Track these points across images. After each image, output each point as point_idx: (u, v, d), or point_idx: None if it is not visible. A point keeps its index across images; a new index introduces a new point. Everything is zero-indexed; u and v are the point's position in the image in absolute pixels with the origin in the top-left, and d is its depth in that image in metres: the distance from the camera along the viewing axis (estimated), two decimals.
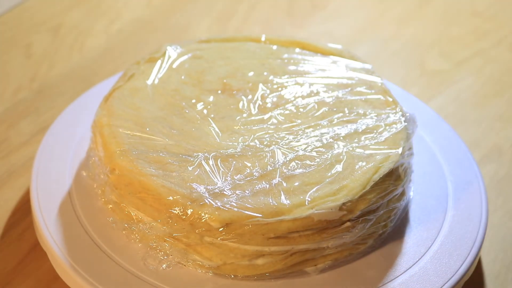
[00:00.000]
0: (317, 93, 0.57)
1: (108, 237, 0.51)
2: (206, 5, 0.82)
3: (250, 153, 0.52)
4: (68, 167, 0.56)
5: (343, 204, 0.49)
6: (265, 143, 0.52)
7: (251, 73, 0.58)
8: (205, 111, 0.55)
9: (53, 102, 0.68)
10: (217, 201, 0.48)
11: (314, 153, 0.52)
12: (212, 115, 0.55)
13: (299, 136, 0.53)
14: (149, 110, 0.54)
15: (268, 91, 0.57)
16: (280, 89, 0.57)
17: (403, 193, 0.54)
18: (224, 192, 0.49)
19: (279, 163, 0.51)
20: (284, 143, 0.52)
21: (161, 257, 0.50)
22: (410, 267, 0.51)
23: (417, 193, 0.56)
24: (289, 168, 0.51)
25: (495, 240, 0.58)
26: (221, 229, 0.48)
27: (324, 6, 0.83)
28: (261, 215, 0.48)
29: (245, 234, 0.48)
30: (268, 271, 0.50)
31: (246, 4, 0.82)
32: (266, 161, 0.51)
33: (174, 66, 0.58)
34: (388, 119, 0.54)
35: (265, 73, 0.58)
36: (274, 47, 0.61)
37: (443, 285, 0.50)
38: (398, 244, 0.53)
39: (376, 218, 0.51)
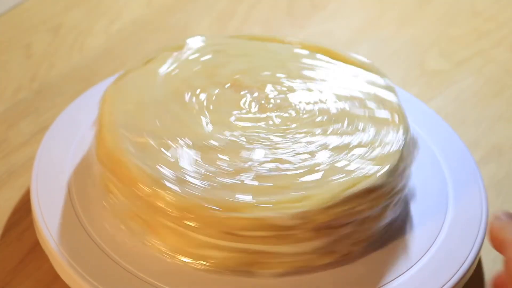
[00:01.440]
0: (324, 102, 0.56)
1: (108, 237, 0.51)
2: (206, 5, 0.82)
3: (232, 148, 0.52)
4: (68, 167, 0.56)
5: (301, 213, 0.48)
6: (250, 141, 0.52)
7: (266, 73, 0.58)
8: (205, 102, 0.55)
9: (53, 102, 0.68)
10: (179, 186, 0.49)
11: (296, 159, 0.51)
12: (211, 107, 0.55)
13: (288, 140, 0.53)
14: (153, 94, 0.55)
15: (276, 93, 0.57)
16: (288, 92, 0.57)
17: (381, 215, 0.52)
18: (190, 180, 0.49)
19: (257, 163, 0.51)
20: (269, 144, 0.52)
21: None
22: (409, 268, 0.51)
23: (417, 193, 0.56)
24: (266, 168, 0.51)
25: None
26: (177, 215, 0.48)
27: (324, 6, 0.83)
28: (219, 208, 0.48)
29: (200, 224, 0.48)
30: (225, 266, 0.50)
31: (246, 4, 0.82)
32: (244, 157, 0.51)
33: (193, 57, 0.59)
34: (386, 137, 0.53)
35: (280, 75, 0.58)
36: (298, 50, 0.61)
37: (443, 285, 0.50)
38: (398, 244, 0.53)
39: (341, 235, 0.50)
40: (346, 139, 0.53)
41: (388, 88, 0.57)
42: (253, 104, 0.56)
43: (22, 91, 0.69)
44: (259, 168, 0.51)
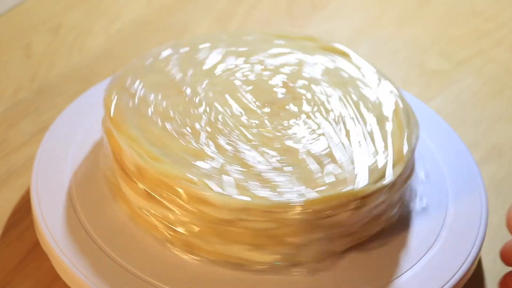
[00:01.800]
0: (309, 142, 0.52)
1: (109, 237, 0.51)
2: (206, 5, 0.82)
3: (190, 102, 0.54)
4: (68, 167, 0.56)
5: (163, 172, 0.49)
6: (206, 109, 0.54)
7: (322, 96, 0.56)
8: (239, 76, 0.57)
9: (53, 102, 0.68)
10: (117, 98, 0.54)
11: (208, 145, 0.51)
12: (242, 79, 0.57)
13: (228, 132, 0.52)
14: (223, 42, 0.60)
15: (296, 109, 0.55)
16: (304, 116, 0.54)
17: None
18: (135, 96, 0.54)
19: (184, 124, 0.53)
20: (210, 123, 0.53)
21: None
22: (409, 268, 0.51)
23: (417, 193, 0.56)
24: (184, 129, 0.52)
25: (495, 240, 0.58)
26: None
27: (324, 6, 0.83)
28: (116, 135, 0.51)
29: (110, 139, 0.53)
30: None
31: (246, 4, 0.82)
32: (184, 113, 0.53)
33: (306, 51, 0.60)
34: (285, 194, 0.49)
35: (329, 105, 0.55)
36: (388, 106, 0.56)
37: (443, 285, 0.50)
38: (397, 244, 0.53)
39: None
40: (263, 169, 0.50)
41: (383, 178, 0.51)
42: (268, 100, 0.55)
43: (22, 91, 0.69)
44: (181, 128, 0.52)
